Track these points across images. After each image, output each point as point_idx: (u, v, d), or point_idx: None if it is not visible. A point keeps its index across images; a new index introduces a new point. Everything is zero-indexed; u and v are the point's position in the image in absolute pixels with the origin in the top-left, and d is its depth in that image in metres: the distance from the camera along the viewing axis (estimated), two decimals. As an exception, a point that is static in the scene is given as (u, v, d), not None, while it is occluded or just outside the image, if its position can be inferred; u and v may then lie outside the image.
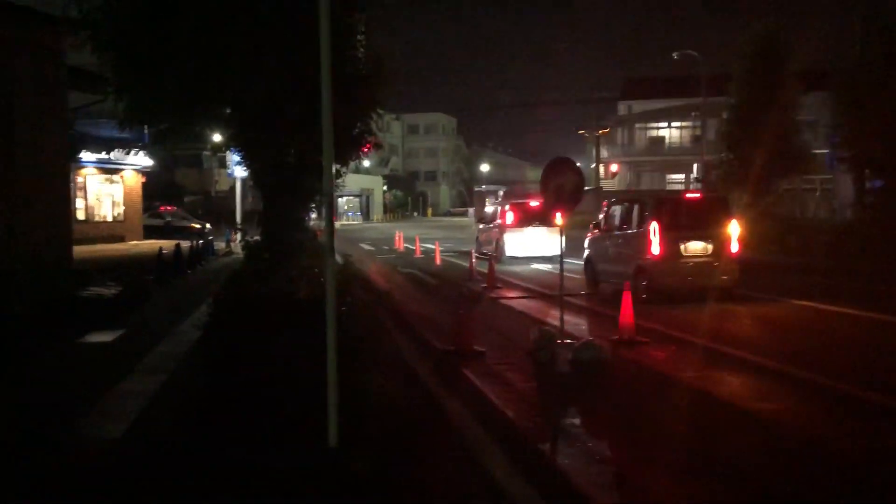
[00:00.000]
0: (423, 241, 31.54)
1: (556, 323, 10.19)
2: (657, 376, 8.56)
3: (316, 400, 5.54)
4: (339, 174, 11.06)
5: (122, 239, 32.70)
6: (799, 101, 24.80)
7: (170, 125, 10.05)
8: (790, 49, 24.74)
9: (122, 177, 33.69)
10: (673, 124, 61.22)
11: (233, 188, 38.94)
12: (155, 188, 42.80)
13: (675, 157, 59.84)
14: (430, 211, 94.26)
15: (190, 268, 21.20)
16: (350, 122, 10.14)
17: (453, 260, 25.14)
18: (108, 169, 32.66)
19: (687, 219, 13.86)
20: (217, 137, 12.22)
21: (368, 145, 11.50)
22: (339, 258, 6.76)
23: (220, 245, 29.90)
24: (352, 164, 13.07)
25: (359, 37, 10.09)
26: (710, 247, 13.62)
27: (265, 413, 5.89)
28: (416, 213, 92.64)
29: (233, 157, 25.18)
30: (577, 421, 6.87)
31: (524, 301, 14.86)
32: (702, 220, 13.84)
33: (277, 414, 5.85)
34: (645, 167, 62.47)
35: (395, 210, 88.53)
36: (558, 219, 10.10)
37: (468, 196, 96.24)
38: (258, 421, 5.82)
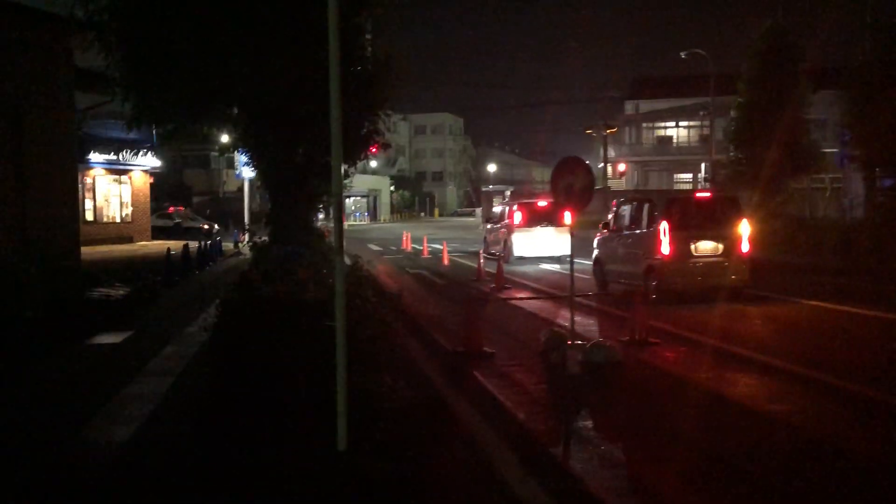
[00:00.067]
0: (431, 241, 31.48)
1: (566, 324, 10.11)
2: (669, 377, 8.47)
3: (325, 403, 5.47)
4: (347, 174, 11.01)
5: (130, 240, 32.75)
6: (808, 100, 24.64)
7: (177, 125, 10.03)
8: (799, 47, 24.58)
9: (130, 178, 33.75)
10: (681, 123, 61.08)
11: (241, 189, 38.99)
12: (163, 189, 42.92)
13: (682, 157, 59.70)
14: (437, 211, 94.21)
15: (198, 269, 21.20)
16: (358, 122, 10.10)
17: (461, 260, 25.07)
18: (117, 170, 32.72)
19: (697, 218, 13.76)
20: (225, 138, 12.20)
21: (376, 145, 11.45)
22: (347, 259, 6.70)
23: (228, 246, 29.91)
24: (359, 165, 13.03)
25: (367, 36, 10.03)
26: (720, 246, 13.51)
27: (273, 416, 5.82)
28: (423, 214, 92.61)
29: (241, 158, 25.18)
30: (589, 423, 6.78)
31: (533, 302, 14.77)
32: (712, 219, 13.74)
33: (286, 417, 5.78)
34: (652, 166, 62.30)
35: (402, 210, 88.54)
36: (567, 219, 10.01)
37: (475, 196, 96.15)
38: (266, 424, 5.74)
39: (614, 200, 17.39)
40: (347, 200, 67.71)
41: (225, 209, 47.82)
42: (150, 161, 34.04)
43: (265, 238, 10.95)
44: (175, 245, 22.40)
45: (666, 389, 8.02)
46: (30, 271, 12.42)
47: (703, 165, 51.08)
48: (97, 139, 29.88)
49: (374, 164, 72.53)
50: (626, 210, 15.39)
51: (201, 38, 8.55)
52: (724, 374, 8.42)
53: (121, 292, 14.17)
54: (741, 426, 6.63)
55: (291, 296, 7.28)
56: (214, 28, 8.51)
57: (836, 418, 6.82)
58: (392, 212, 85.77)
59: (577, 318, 10.16)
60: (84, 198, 29.58)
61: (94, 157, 30.53)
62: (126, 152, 32.11)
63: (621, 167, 56.84)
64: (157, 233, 35.45)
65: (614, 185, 52.92)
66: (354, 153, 10.96)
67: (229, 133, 11.60)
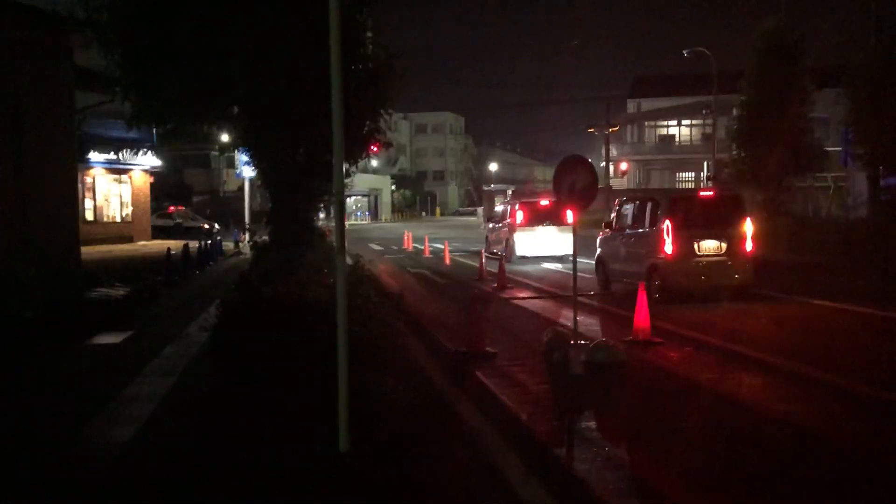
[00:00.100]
0: (432, 240, 31.42)
1: (569, 323, 10.04)
2: (674, 378, 8.40)
3: (326, 404, 5.42)
4: (348, 173, 10.93)
5: (130, 239, 32.71)
6: (811, 98, 24.55)
7: (177, 124, 9.97)
8: (802, 45, 24.49)
9: (130, 177, 33.71)
10: (683, 122, 61.00)
11: (241, 188, 38.93)
12: (163, 188, 42.88)
13: (684, 156, 59.62)
14: (438, 210, 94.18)
15: (198, 268, 21.16)
16: (359, 121, 10.02)
17: (463, 260, 25.01)
18: (117, 169, 32.69)
19: (701, 217, 13.67)
20: (225, 137, 12.12)
21: (377, 144, 11.38)
22: (348, 259, 6.64)
23: (228, 245, 29.87)
24: (360, 164, 12.96)
25: (367, 34, 9.96)
26: (724, 245, 13.43)
27: (274, 417, 5.77)
28: (424, 213, 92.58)
29: (241, 157, 25.12)
30: (592, 424, 6.71)
31: (535, 301, 14.71)
32: (716, 218, 13.65)
33: (287, 418, 5.73)
34: (654, 165, 62.25)
35: (403, 210, 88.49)
36: (569, 217, 9.95)
37: (477, 195, 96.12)
38: (267, 425, 5.69)
39: (617, 199, 17.32)
40: (348, 200, 67.66)
41: (225, 209, 47.79)
42: (151, 160, 34.00)
43: (266, 237, 10.88)
44: (175, 245, 22.36)
45: (670, 390, 7.95)
46: (29, 271, 12.37)
47: (705, 164, 50.99)
48: (97, 139, 29.83)
49: (374, 163, 72.55)
50: (629, 209, 15.31)
51: (201, 37, 8.48)
52: (728, 375, 8.36)
53: (121, 292, 14.12)
54: (746, 427, 6.56)
55: (292, 296, 7.22)
56: (214, 26, 8.45)
57: (842, 419, 6.76)
58: (393, 211, 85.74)
59: (580, 318, 10.07)
60: (84, 197, 29.54)
61: (94, 156, 30.49)
62: (126, 152, 32.07)
63: (623, 166, 56.75)
64: (158, 232, 35.41)
65: (616, 184, 52.84)
66: (356, 152, 10.88)
67: (229, 132, 11.53)
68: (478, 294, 10.81)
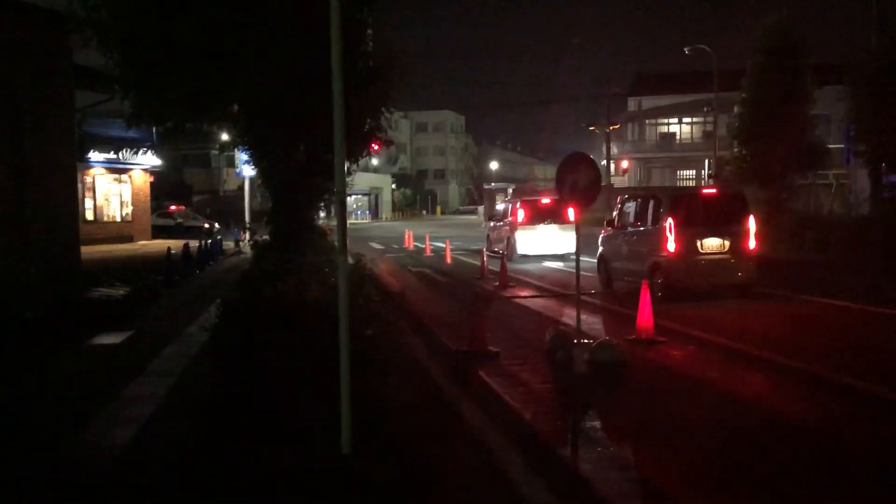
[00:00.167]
0: (433, 239, 31.38)
1: (571, 322, 10.00)
2: (677, 377, 8.35)
3: (328, 405, 5.37)
4: (349, 172, 10.86)
5: (130, 239, 32.67)
6: (813, 95, 24.47)
7: (177, 123, 9.89)
8: (804, 43, 24.40)
9: (130, 176, 33.66)
10: (684, 120, 60.95)
11: (241, 187, 38.87)
12: (163, 188, 42.85)
13: (685, 153, 59.58)
14: (439, 209, 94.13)
15: (199, 268, 21.11)
16: (360, 119, 9.95)
17: (464, 258, 24.96)
18: (117, 169, 32.64)
19: (703, 215, 13.61)
20: (225, 136, 12.05)
21: (378, 143, 11.31)
22: (350, 258, 6.59)
23: (228, 245, 29.82)
24: (360, 163, 12.89)
25: (368, 31, 9.88)
26: (726, 243, 13.37)
27: (276, 419, 5.72)
28: (424, 212, 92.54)
29: (241, 156, 25.05)
30: (596, 424, 6.66)
31: (537, 300, 14.67)
32: (718, 215, 13.59)
33: (288, 420, 5.68)
34: (655, 163, 62.19)
35: (403, 209, 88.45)
36: (570, 215, 9.90)
37: (477, 194, 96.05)
38: (268, 427, 5.64)
39: (619, 197, 17.26)
40: (349, 199, 67.62)
41: (225, 208, 47.74)
42: (151, 160, 33.95)
43: (266, 237, 10.81)
44: (175, 244, 22.32)
45: (673, 389, 7.90)
46: (29, 271, 12.34)
47: (706, 162, 50.95)
48: (97, 138, 29.79)
49: (375, 162, 72.46)
50: (631, 207, 15.25)
51: (201, 35, 8.41)
52: (732, 373, 8.31)
53: (121, 292, 14.08)
54: (750, 426, 6.51)
55: (293, 295, 7.17)
56: (214, 24, 8.38)
57: (847, 417, 6.71)
58: (394, 210, 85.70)
59: (582, 317, 10.04)
60: (84, 197, 29.49)
61: (94, 156, 30.44)
62: (126, 151, 32.02)
63: (624, 164, 56.70)
64: (158, 232, 35.36)
65: (617, 182, 52.78)
66: (356, 151, 10.81)
67: (230, 131, 11.45)
68: (480, 293, 10.76)
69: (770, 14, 24.79)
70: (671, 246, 13.23)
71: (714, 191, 14.98)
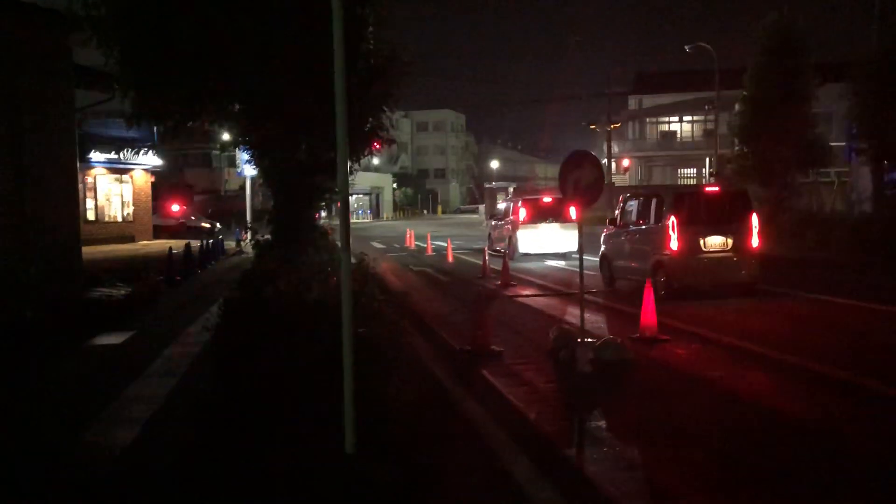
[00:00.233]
0: (434, 238, 31.34)
1: (574, 321, 9.95)
2: (682, 376, 8.30)
3: (331, 405, 5.32)
4: (350, 171, 10.81)
5: (131, 239, 32.63)
6: (814, 93, 24.42)
7: (178, 122, 9.83)
8: (805, 41, 24.35)
9: (131, 176, 33.62)
10: (684, 118, 60.90)
11: (242, 187, 38.82)
12: (164, 188, 42.79)
13: (686, 152, 59.54)
14: (440, 208, 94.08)
15: (200, 267, 21.07)
16: (362, 118, 9.90)
17: (465, 257, 24.93)
18: (118, 169, 32.59)
19: (706, 213, 13.56)
20: (226, 136, 12.00)
21: (378, 142, 11.26)
22: (352, 257, 6.55)
23: (230, 244, 29.79)
24: (362, 162, 12.85)
25: (369, 29, 9.83)
26: (729, 241, 13.33)
27: (278, 419, 5.68)
28: (426, 211, 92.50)
29: (242, 156, 25.01)
30: (601, 423, 6.62)
31: (540, 299, 14.63)
32: (721, 214, 13.54)
33: (291, 420, 5.63)
34: (656, 162, 62.17)
35: (404, 208, 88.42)
36: (572, 214, 9.86)
37: (478, 193, 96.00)
38: (271, 427, 5.60)
39: (621, 196, 17.21)
40: (350, 198, 67.63)
41: (227, 208, 47.68)
42: (152, 160, 33.89)
43: (267, 236, 10.77)
44: (177, 244, 22.27)
45: (678, 388, 7.85)
46: (30, 271, 12.30)
47: (707, 160, 50.90)
48: (98, 138, 29.75)
49: (376, 161, 72.37)
50: (633, 205, 15.20)
51: (201, 33, 8.37)
52: (736, 372, 8.25)
53: (122, 292, 14.03)
54: (756, 425, 6.46)
55: (295, 295, 7.13)
56: (215, 22, 8.33)
57: (852, 416, 6.66)
58: (395, 209, 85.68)
59: (585, 315, 10.00)
60: (85, 197, 29.45)
61: (95, 156, 30.40)
62: (127, 151, 31.96)
63: (625, 163, 56.64)
64: (159, 232, 35.32)
65: (618, 180, 52.74)
66: (358, 149, 10.76)
67: (230, 130, 11.41)
68: (482, 292, 10.72)
69: (771, 12, 24.74)
70: (674, 244, 13.18)
71: (717, 189, 14.93)
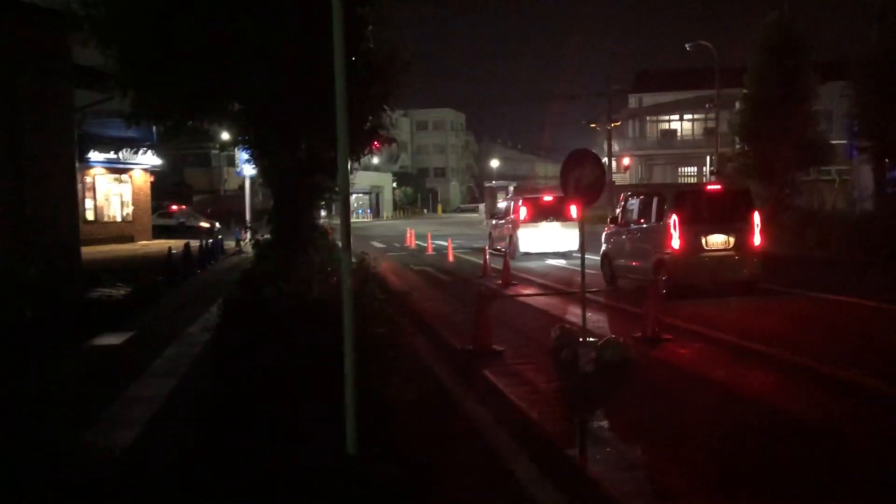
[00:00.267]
0: (435, 237, 31.30)
1: (576, 320, 9.91)
2: (684, 375, 8.26)
3: (332, 405, 5.28)
4: (350, 170, 10.76)
5: (131, 239, 32.57)
6: (815, 92, 24.37)
7: (177, 121, 9.79)
8: (806, 39, 24.30)
9: (130, 176, 33.55)
10: (685, 117, 60.87)
11: (242, 186, 38.78)
12: (165, 189, 42.76)
13: (686, 150, 59.53)
14: (440, 207, 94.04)
15: (200, 267, 21.04)
16: (362, 116, 9.85)
17: (466, 257, 24.89)
18: (117, 168, 32.52)
19: (708, 211, 13.52)
20: (225, 135, 11.95)
21: (379, 141, 11.22)
22: (353, 257, 6.50)
23: (229, 244, 29.75)
24: (361, 161, 12.81)
25: (369, 27, 9.78)
26: (731, 240, 13.28)
27: (279, 419, 5.64)
28: (425, 210, 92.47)
29: (241, 155, 24.97)
30: (604, 423, 6.58)
31: (541, 298, 14.58)
32: (723, 212, 13.50)
33: (292, 420, 5.59)
34: (656, 160, 62.16)
35: (404, 207, 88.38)
36: (573, 213, 9.81)
37: (478, 192, 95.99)
38: (271, 428, 5.56)
39: (622, 194, 17.17)
40: (350, 197, 67.62)
41: (226, 207, 47.64)
42: (151, 160, 33.83)
43: (267, 236, 10.72)
44: (176, 244, 22.24)
45: (680, 387, 7.81)
46: (30, 271, 12.25)
47: (707, 159, 50.86)
48: (97, 138, 29.67)
49: (375, 160, 72.39)
50: (635, 204, 15.16)
51: (201, 32, 8.32)
52: (740, 371, 8.21)
53: (122, 292, 13.99)
54: (760, 425, 6.42)
55: (296, 295, 7.09)
56: (214, 21, 8.29)
57: (856, 414, 6.62)
58: (395, 208, 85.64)
59: (587, 315, 9.96)
60: (84, 197, 29.38)
61: (95, 156, 30.32)
62: (126, 151, 31.90)
63: (625, 161, 56.63)
64: (159, 232, 35.27)
65: (618, 179, 52.73)
66: (358, 149, 10.72)
67: (230, 129, 11.36)
68: (483, 291, 10.68)
69: (772, 11, 24.69)
70: (675, 243, 13.14)
71: (719, 187, 14.88)
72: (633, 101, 64.39)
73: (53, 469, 5.67)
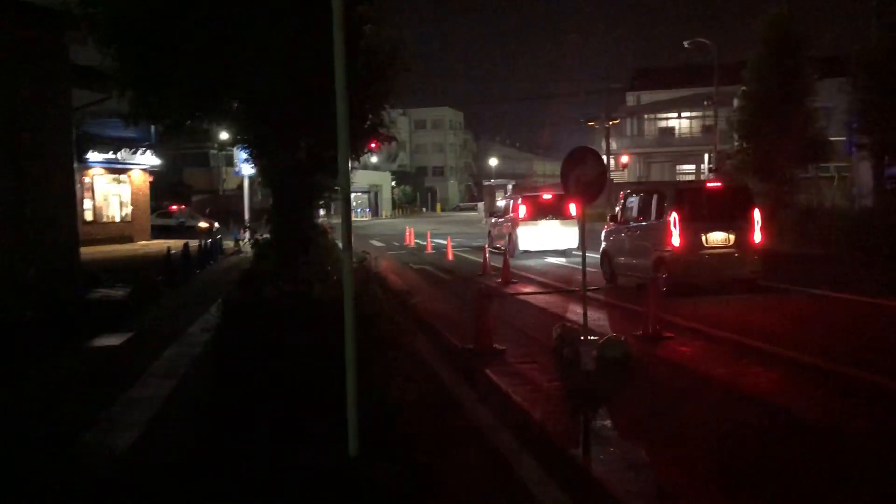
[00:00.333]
0: (434, 236, 31.27)
1: (576, 318, 9.88)
2: (686, 373, 8.23)
3: (333, 406, 5.25)
4: (350, 169, 10.73)
5: (130, 239, 32.52)
6: (814, 88, 24.33)
7: (176, 121, 9.76)
8: (805, 35, 24.26)
9: (129, 176, 33.50)
10: (683, 114, 60.84)
11: (240, 186, 38.74)
12: (165, 189, 42.71)
13: (685, 148, 59.50)
14: (439, 206, 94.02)
15: (199, 268, 21.00)
16: (362, 115, 9.83)
17: (465, 255, 24.86)
18: (116, 169, 32.47)
19: (708, 209, 13.49)
20: (224, 135, 11.92)
21: (378, 140, 11.19)
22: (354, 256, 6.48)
23: (228, 244, 29.70)
24: (360, 160, 12.79)
25: (367, 26, 9.75)
26: (732, 237, 13.26)
27: (280, 421, 5.61)
28: (424, 209, 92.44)
29: (240, 155, 24.95)
30: (607, 422, 6.55)
31: (541, 296, 14.55)
32: (723, 209, 13.47)
33: (293, 422, 5.56)
34: (655, 158, 62.13)
35: (403, 206, 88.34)
36: (572, 210, 9.78)
37: (477, 190, 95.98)
38: (272, 429, 5.53)
39: (622, 192, 17.15)
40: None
41: (225, 207, 47.60)
42: (150, 160, 33.78)
43: (266, 235, 10.69)
44: (175, 244, 22.21)
45: (682, 385, 7.78)
46: (30, 272, 12.22)
47: (706, 156, 50.85)
48: (96, 138, 29.61)
49: (374, 159, 72.42)
50: (635, 202, 15.13)
51: (200, 31, 8.29)
52: (742, 369, 8.19)
53: (121, 293, 13.96)
54: (761, 423, 6.39)
55: (296, 295, 7.06)
56: (214, 19, 8.25)
57: (859, 412, 6.59)
58: (393, 207, 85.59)
59: (588, 313, 9.93)
60: (83, 197, 29.34)
61: (93, 156, 30.26)
62: (125, 151, 31.84)
63: (624, 159, 56.61)
64: (158, 232, 35.23)
65: (616, 177, 52.69)
66: (358, 147, 10.71)
67: (229, 128, 11.32)
68: (483, 290, 10.64)
69: (771, 8, 24.65)
70: (676, 240, 13.11)
71: (719, 185, 14.85)
72: (631, 98, 64.37)
73: (54, 469, 5.65)
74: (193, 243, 22.02)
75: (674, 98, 59.43)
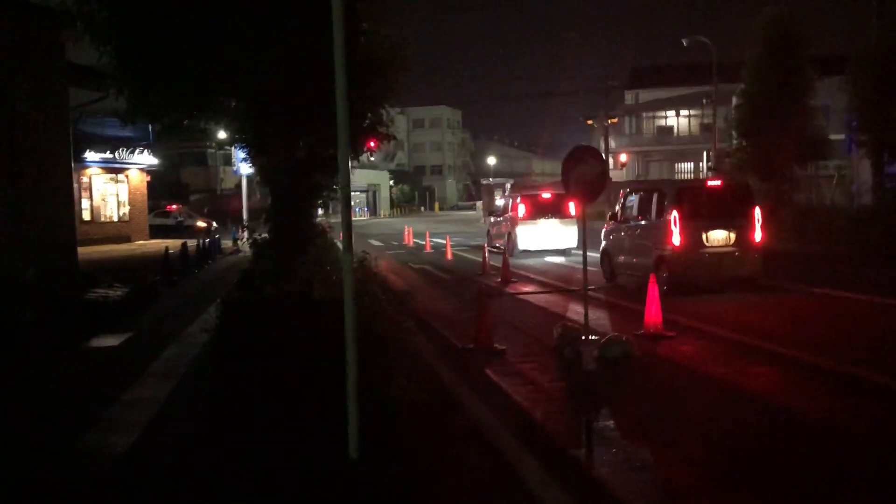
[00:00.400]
0: (433, 235, 31.24)
1: (577, 317, 9.85)
2: (688, 372, 8.20)
3: (333, 406, 5.21)
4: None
5: (128, 239, 32.45)
6: (813, 86, 24.31)
7: (174, 120, 9.71)
8: (804, 33, 24.24)
9: (127, 176, 33.42)
10: (682, 113, 60.81)
11: (239, 185, 38.70)
12: (165, 188, 42.65)
13: (683, 146, 59.46)
14: (437, 205, 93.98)
15: (197, 267, 20.96)
16: (361, 114, 9.79)
17: (464, 254, 24.82)
18: (113, 168, 32.39)
19: (708, 207, 13.46)
20: (222, 134, 11.88)
21: (377, 139, 11.16)
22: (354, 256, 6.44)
23: (227, 243, 29.65)
24: (359, 159, 12.75)
25: (365, 24, 9.71)
26: (732, 236, 13.23)
27: (280, 422, 5.56)
28: (423, 208, 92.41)
29: (238, 154, 24.90)
30: (609, 422, 6.51)
31: (541, 295, 14.52)
32: (724, 208, 13.43)
33: (292, 422, 5.52)
34: (653, 156, 62.07)
35: (402, 205, 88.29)
36: (571, 210, 9.75)
37: (475, 189, 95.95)
38: (272, 431, 5.48)
39: (622, 191, 17.11)
40: (347, 196, 67.48)
41: (223, 206, 47.54)
42: (147, 159, 33.69)
43: (265, 235, 10.66)
44: (173, 244, 22.17)
45: (684, 385, 7.75)
46: (29, 272, 12.18)
47: (704, 155, 50.81)
48: (93, 137, 29.52)
49: (372, 158, 72.35)
50: (635, 200, 15.09)
51: (199, 29, 8.24)
52: (744, 368, 8.16)
53: (119, 293, 13.91)
54: (762, 422, 6.37)
55: (295, 294, 7.02)
56: (211, 18, 8.20)
57: (861, 411, 6.57)
58: (392, 206, 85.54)
59: (588, 312, 9.89)
60: (81, 197, 29.26)
61: (91, 155, 30.18)
62: (122, 150, 31.76)
63: (622, 158, 56.57)
64: (156, 231, 35.17)
65: (615, 176, 52.66)
66: (357, 146, 10.68)
67: (227, 127, 11.28)
68: (483, 289, 10.61)
69: (770, 6, 24.61)
70: (676, 239, 13.07)
71: (719, 183, 14.83)
72: (629, 97, 64.34)
73: (54, 470, 5.61)
74: (191, 243, 21.97)
75: (672, 96, 59.40)
